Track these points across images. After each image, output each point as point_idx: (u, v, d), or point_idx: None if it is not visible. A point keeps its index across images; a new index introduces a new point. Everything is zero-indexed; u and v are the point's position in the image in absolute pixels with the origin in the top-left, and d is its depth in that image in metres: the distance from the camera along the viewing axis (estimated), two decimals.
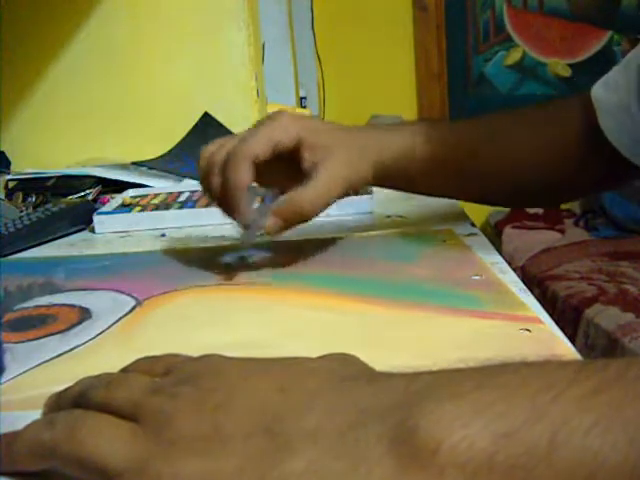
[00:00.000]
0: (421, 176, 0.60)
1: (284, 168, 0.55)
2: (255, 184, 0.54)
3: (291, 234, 0.66)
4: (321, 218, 0.65)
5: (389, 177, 0.59)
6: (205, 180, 0.54)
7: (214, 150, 0.54)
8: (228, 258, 0.59)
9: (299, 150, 0.54)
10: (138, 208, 0.75)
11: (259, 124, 0.55)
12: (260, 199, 0.55)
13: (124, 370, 0.33)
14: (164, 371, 0.30)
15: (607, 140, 0.58)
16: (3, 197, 0.85)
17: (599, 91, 0.59)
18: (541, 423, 0.22)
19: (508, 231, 2.29)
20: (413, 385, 0.25)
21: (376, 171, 0.57)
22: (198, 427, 0.25)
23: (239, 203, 0.51)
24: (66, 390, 0.31)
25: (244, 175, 0.51)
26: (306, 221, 0.54)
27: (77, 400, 0.29)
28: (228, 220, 0.55)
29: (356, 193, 0.65)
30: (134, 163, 0.97)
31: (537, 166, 0.61)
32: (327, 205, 0.54)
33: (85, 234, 0.73)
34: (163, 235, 0.69)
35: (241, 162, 0.51)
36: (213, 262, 0.58)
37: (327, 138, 0.55)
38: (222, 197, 0.53)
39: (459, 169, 0.61)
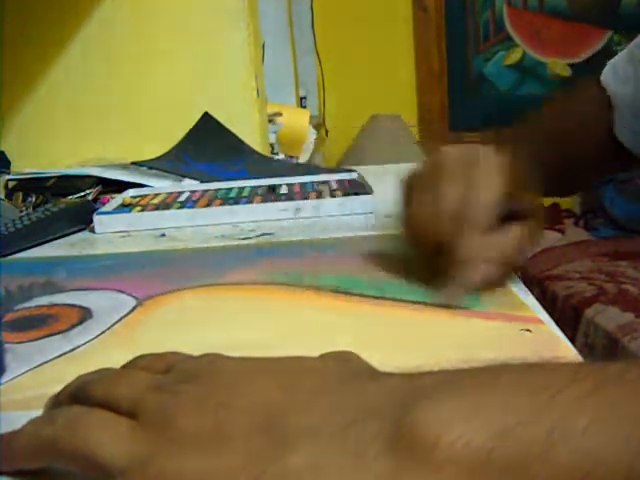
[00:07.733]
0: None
1: None
2: None
3: (291, 234, 0.66)
4: (321, 218, 0.65)
5: None
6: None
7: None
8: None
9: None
10: (138, 208, 0.75)
11: (471, 166, 0.47)
12: None
13: (124, 367, 0.33)
14: (165, 369, 0.30)
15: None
16: (3, 197, 0.85)
17: (613, 84, 0.61)
18: (538, 421, 0.22)
19: None
20: (414, 384, 0.25)
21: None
22: (199, 424, 0.25)
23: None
24: (66, 387, 0.31)
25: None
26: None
27: (77, 396, 0.29)
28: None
29: None
30: (134, 163, 0.97)
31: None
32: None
33: (85, 234, 0.73)
34: (163, 235, 0.69)
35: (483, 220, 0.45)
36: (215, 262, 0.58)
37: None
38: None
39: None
